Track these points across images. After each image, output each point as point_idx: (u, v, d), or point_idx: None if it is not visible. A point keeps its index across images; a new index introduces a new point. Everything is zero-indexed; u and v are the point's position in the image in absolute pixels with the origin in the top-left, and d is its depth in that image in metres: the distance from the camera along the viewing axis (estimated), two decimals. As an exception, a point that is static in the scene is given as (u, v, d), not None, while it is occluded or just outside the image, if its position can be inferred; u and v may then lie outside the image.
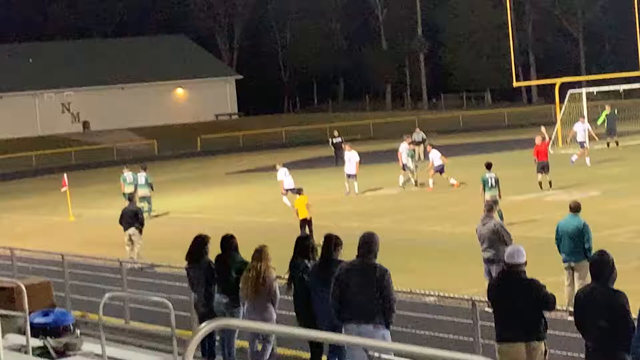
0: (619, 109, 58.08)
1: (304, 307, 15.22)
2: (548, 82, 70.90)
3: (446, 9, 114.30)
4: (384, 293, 13.32)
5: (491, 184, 30.99)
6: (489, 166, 31.54)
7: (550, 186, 38.08)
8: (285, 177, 39.76)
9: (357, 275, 13.51)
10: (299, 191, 31.47)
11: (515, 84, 68.61)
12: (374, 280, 13.36)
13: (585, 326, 11.54)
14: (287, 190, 39.09)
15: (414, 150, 46.20)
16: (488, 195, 30.02)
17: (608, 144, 53.90)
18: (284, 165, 41.21)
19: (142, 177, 40.70)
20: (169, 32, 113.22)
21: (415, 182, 43.25)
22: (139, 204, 37.99)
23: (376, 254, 13.49)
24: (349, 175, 42.95)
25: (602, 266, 11.54)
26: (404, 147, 44.07)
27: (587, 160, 46.62)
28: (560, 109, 58.86)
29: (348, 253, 14.83)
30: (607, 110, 54.77)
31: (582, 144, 48.75)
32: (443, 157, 42.81)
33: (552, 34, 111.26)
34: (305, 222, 30.19)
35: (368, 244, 13.54)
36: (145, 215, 36.66)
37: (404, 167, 43.35)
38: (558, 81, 62.73)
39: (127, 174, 41.57)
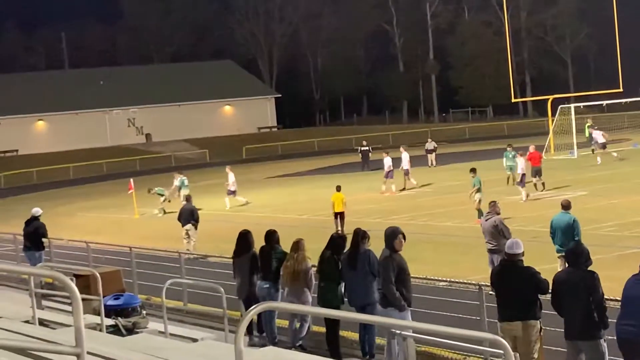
0: (602, 121, 57.92)
1: (329, 291, 15.25)
2: (542, 98, 70.59)
3: (454, 37, 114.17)
4: (400, 278, 13.45)
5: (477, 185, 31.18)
6: (473, 170, 31.79)
7: (544, 187, 37.85)
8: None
9: (382, 263, 13.77)
10: (338, 188, 31.15)
11: (513, 100, 68.32)
12: (393, 266, 13.49)
13: (563, 303, 11.59)
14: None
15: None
16: (477, 196, 30.42)
17: (593, 151, 53.63)
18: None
19: (185, 180, 41.93)
20: (219, 58, 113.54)
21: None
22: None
23: (393, 245, 13.58)
24: (230, 192, 41.80)
25: (578, 254, 11.63)
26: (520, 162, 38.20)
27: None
28: (552, 121, 58.63)
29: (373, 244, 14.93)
30: (590, 123, 54.57)
31: (604, 145, 48.96)
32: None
33: (545, 57, 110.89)
34: (338, 215, 30.22)
35: (387, 237, 13.70)
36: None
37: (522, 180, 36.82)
38: (550, 97, 62.49)
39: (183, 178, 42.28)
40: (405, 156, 43.93)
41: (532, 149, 39.31)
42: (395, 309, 13.40)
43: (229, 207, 41.24)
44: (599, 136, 49.72)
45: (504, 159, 41.52)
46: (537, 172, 38.23)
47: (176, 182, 42.32)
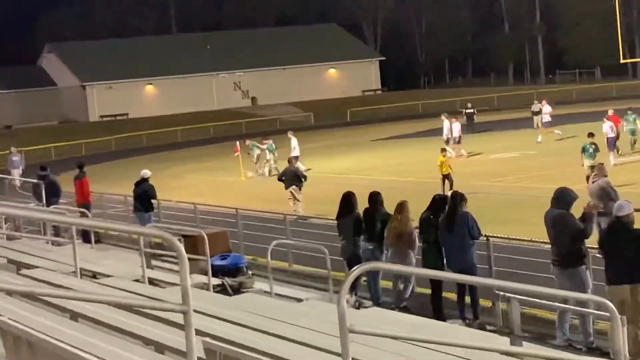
0: None
1: (433, 253, 15.17)
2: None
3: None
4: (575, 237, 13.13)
5: (590, 152, 30.10)
6: (590, 135, 30.89)
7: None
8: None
9: (550, 221, 13.51)
10: (443, 151, 32.40)
11: (622, 60, 66.65)
12: (563, 224, 13.23)
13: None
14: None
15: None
16: (587, 162, 29.46)
17: None
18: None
19: (272, 144, 42.72)
20: (323, 22, 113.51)
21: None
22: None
23: (568, 203, 13.48)
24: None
25: None
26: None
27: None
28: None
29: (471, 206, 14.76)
30: None
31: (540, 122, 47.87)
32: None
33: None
34: (445, 177, 30.91)
35: (561, 197, 13.67)
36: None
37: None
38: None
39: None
40: (447, 124, 45.14)
41: (610, 112, 38.25)
42: (578, 267, 13.03)
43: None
44: (547, 110, 47.68)
45: (624, 123, 39.98)
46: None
47: (260, 149, 42.99)
